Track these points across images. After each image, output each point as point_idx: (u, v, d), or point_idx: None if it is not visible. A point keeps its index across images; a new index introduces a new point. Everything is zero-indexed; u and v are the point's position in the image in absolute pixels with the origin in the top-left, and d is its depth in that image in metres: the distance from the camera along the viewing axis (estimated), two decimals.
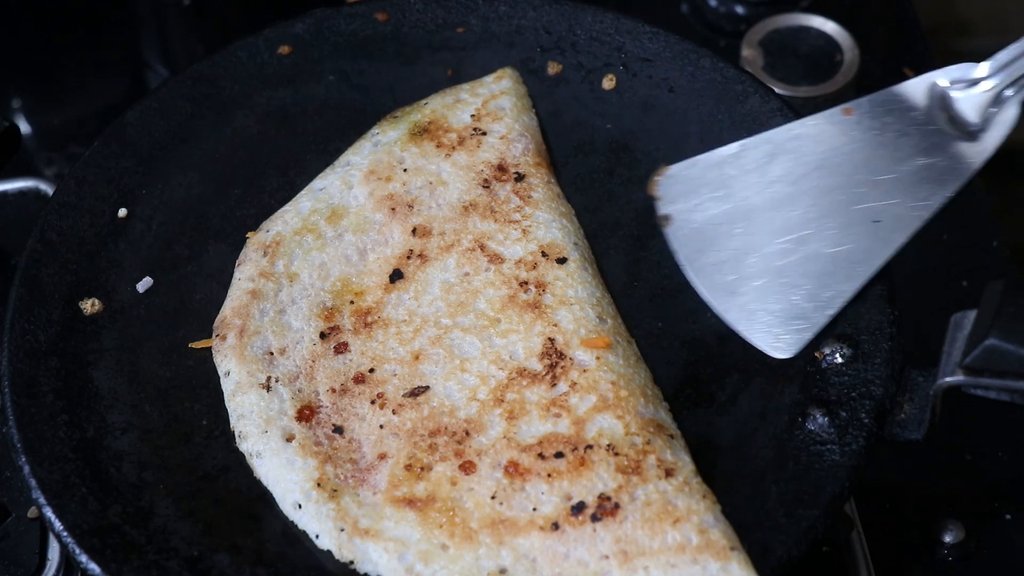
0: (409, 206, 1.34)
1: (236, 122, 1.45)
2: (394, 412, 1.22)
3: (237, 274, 1.33)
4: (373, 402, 1.24)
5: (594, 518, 1.14)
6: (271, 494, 1.21)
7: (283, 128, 1.45)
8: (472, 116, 1.40)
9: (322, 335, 1.28)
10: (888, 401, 1.20)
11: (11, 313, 1.28)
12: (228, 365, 1.27)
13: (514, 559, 1.14)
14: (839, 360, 1.23)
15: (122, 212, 1.37)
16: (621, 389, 1.21)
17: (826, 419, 1.20)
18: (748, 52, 1.70)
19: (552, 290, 1.28)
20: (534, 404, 1.21)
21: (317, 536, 1.18)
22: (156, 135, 1.42)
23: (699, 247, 1.30)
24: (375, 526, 1.17)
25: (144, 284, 1.34)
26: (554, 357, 1.23)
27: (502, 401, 1.21)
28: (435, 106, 1.42)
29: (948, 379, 1.18)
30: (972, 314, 1.19)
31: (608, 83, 1.44)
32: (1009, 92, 1.29)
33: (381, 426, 1.22)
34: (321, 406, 1.24)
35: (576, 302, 1.27)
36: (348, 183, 1.37)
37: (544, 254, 1.30)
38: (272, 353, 1.27)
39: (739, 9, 1.84)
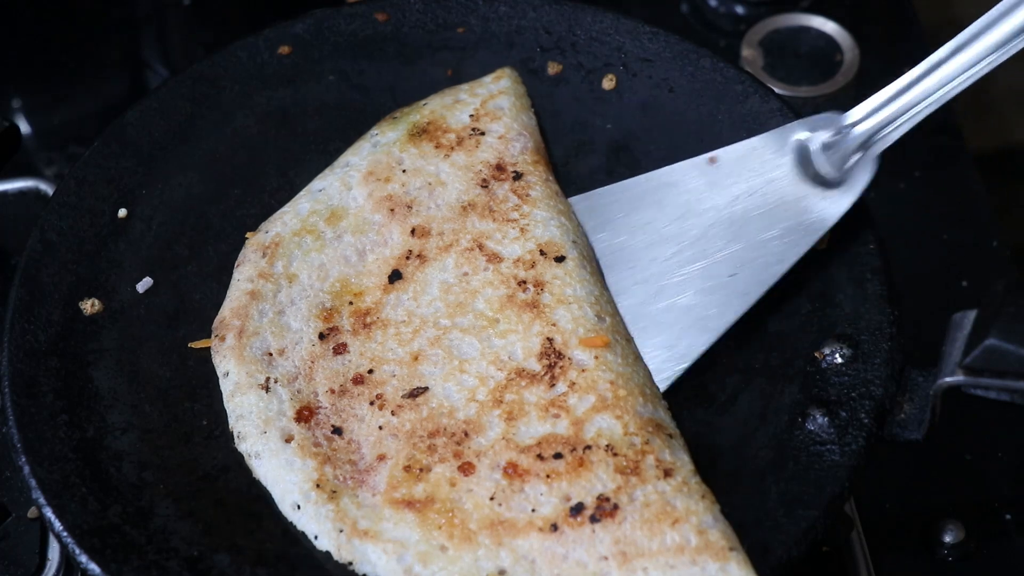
0: (408, 207, 1.34)
1: (236, 122, 1.45)
2: (393, 413, 1.22)
3: (236, 275, 1.33)
4: (372, 403, 1.24)
5: (593, 519, 1.14)
6: (271, 494, 1.21)
7: (283, 128, 1.45)
8: (471, 116, 1.40)
9: (321, 336, 1.28)
10: (888, 401, 1.20)
11: (11, 313, 1.28)
12: (227, 366, 1.27)
13: (513, 560, 1.14)
14: (839, 360, 1.23)
15: (122, 212, 1.37)
16: (620, 388, 1.21)
17: (826, 419, 1.20)
18: (748, 52, 1.70)
19: (550, 289, 1.27)
20: (533, 405, 1.21)
21: (316, 537, 1.18)
22: (156, 135, 1.42)
23: None
24: (374, 527, 1.17)
25: (144, 284, 1.34)
26: (553, 357, 1.23)
27: (501, 402, 1.21)
28: (434, 107, 1.42)
29: (948, 379, 1.18)
30: (972, 314, 1.19)
31: (608, 83, 1.44)
32: (867, 148, 1.28)
33: (380, 427, 1.22)
34: (320, 407, 1.24)
35: (575, 301, 1.27)
36: (347, 184, 1.37)
37: (542, 252, 1.30)
38: (271, 354, 1.27)
39: (739, 9, 1.84)
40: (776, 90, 1.42)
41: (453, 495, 1.17)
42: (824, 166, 1.29)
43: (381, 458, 1.20)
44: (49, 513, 1.18)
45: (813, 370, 1.24)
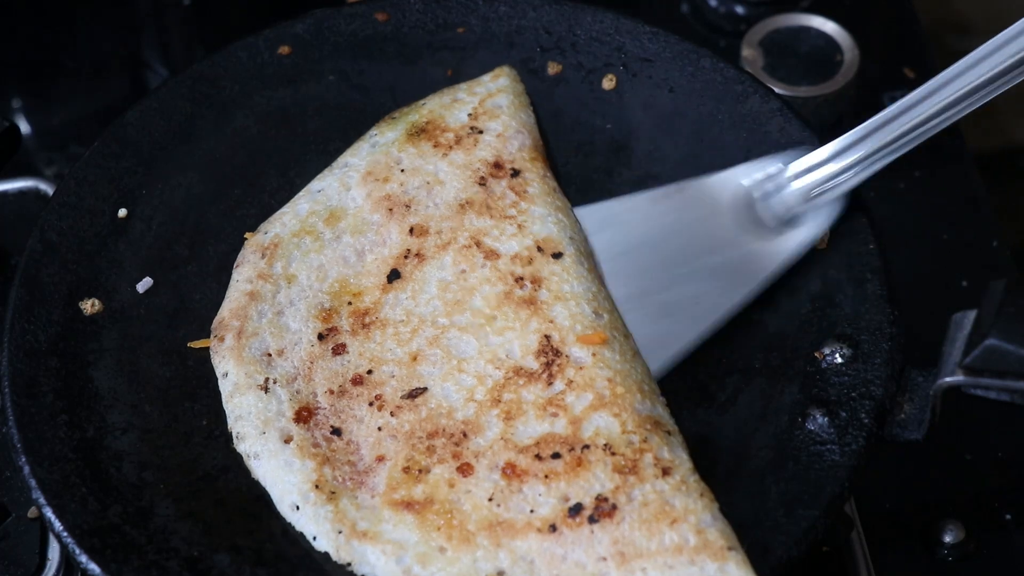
0: (406, 206, 1.34)
1: (236, 122, 1.45)
2: (392, 414, 1.22)
3: (235, 276, 1.33)
4: (371, 404, 1.23)
5: (591, 519, 1.13)
6: (270, 495, 1.21)
7: (283, 128, 1.45)
8: (469, 115, 1.40)
9: (320, 336, 1.28)
10: (888, 401, 1.20)
11: (11, 313, 1.28)
12: (226, 366, 1.27)
13: (512, 561, 1.14)
14: (839, 360, 1.23)
15: (122, 212, 1.37)
16: (617, 386, 1.20)
17: (826, 419, 1.20)
18: (748, 52, 1.70)
19: (548, 285, 1.27)
20: (531, 404, 1.21)
21: (315, 538, 1.18)
22: (156, 135, 1.42)
23: None
24: (373, 528, 1.17)
25: (144, 284, 1.34)
26: (550, 355, 1.23)
27: (499, 401, 1.21)
28: (432, 106, 1.42)
29: (948, 379, 1.18)
30: (972, 314, 1.19)
31: (608, 83, 1.44)
32: (811, 198, 1.28)
33: (379, 428, 1.22)
34: (319, 408, 1.24)
35: (572, 297, 1.26)
36: (346, 184, 1.37)
37: (540, 249, 1.29)
38: (270, 354, 1.27)
39: (739, 9, 1.84)
40: (776, 90, 1.42)
41: (452, 496, 1.17)
42: (764, 214, 1.29)
43: (380, 459, 1.20)
44: (49, 513, 1.18)
45: (813, 370, 1.24)
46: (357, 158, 1.39)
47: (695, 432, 1.23)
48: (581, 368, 1.22)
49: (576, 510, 1.14)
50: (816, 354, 1.24)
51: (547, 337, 1.24)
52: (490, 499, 1.16)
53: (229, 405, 1.25)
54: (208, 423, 1.26)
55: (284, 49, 1.48)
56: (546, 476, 1.16)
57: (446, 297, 1.28)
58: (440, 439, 1.20)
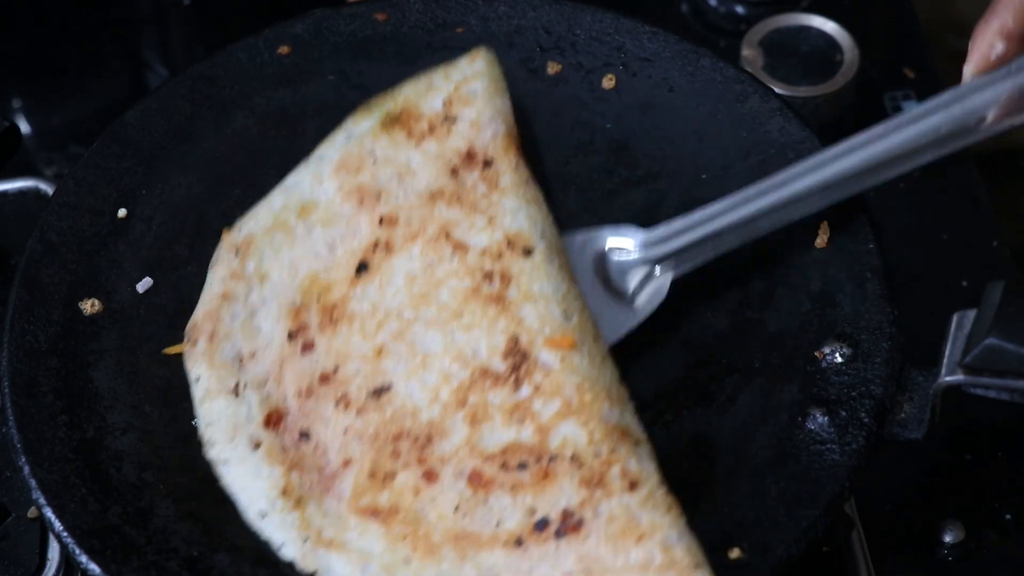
0: (377, 196, 1.31)
1: (236, 122, 1.44)
2: (358, 413, 1.20)
3: (209, 276, 1.31)
4: (337, 404, 1.21)
5: (557, 534, 1.11)
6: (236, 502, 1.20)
7: (283, 128, 1.45)
8: (444, 103, 1.36)
9: (290, 335, 1.26)
10: (888, 401, 1.20)
11: (11, 313, 1.28)
12: (199, 371, 1.26)
13: (478, 574, 1.11)
14: (839, 360, 1.23)
15: (122, 212, 1.37)
16: (586, 392, 1.17)
17: (826, 419, 1.20)
18: (748, 52, 1.70)
19: (517, 283, 1.23)
20: (497, 408, 1.18)
21: (281, 546, 1.16)
22: (156, 135, 1.42)
23: None
24: (339, 537, 1.15)
25: (144, 284, 1.33)
26: (518, 357, 1.20)
27: (464, 403, 1.18)
28: (408, 93, 1.37)
29: (948, 379, 1.18)
30: (972, 314, 1.19)
31: (608, 83, 1.44)
32: (657, 270, 1.28)
33: (345, 430, 1.19)
34: (288, 411, 1.22)
35: (541, 297, 1.23)
36: (319, 177, 1.33)
37: (510, 244, 1.26)
38: (242, 358, 1.25)
39: (739, 9, 1.83)
40: (776, 90, 1.42)
41: (417, 505, 1.15)
42: (617, 279, 1.29)
43: (347, 463, 1.18)
44: (49, 513, 1.18)
45: (813, 370, 1.24)
46: (332, 149, 1.35)
47: (695, 432, 1.23)
48: (549, 373, 1.18)
49: (542, 524, 1.12)
50: (816, 353, 1.24)
51: (515, 339, 1.21)
52: (456, 509, 1.14)
53: (200, 410, 1.24)
54: None
55: (284, 49, 1.48)
56: (512, 487, 1.13)
57: (413, 290, 1.25)
58: (405, 442, 1.18)
